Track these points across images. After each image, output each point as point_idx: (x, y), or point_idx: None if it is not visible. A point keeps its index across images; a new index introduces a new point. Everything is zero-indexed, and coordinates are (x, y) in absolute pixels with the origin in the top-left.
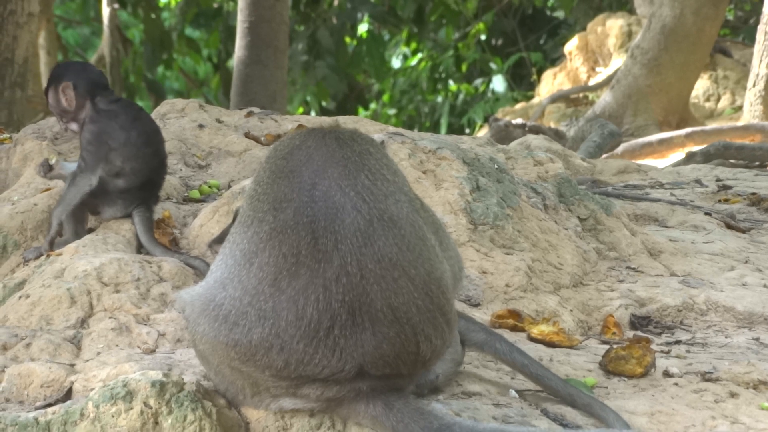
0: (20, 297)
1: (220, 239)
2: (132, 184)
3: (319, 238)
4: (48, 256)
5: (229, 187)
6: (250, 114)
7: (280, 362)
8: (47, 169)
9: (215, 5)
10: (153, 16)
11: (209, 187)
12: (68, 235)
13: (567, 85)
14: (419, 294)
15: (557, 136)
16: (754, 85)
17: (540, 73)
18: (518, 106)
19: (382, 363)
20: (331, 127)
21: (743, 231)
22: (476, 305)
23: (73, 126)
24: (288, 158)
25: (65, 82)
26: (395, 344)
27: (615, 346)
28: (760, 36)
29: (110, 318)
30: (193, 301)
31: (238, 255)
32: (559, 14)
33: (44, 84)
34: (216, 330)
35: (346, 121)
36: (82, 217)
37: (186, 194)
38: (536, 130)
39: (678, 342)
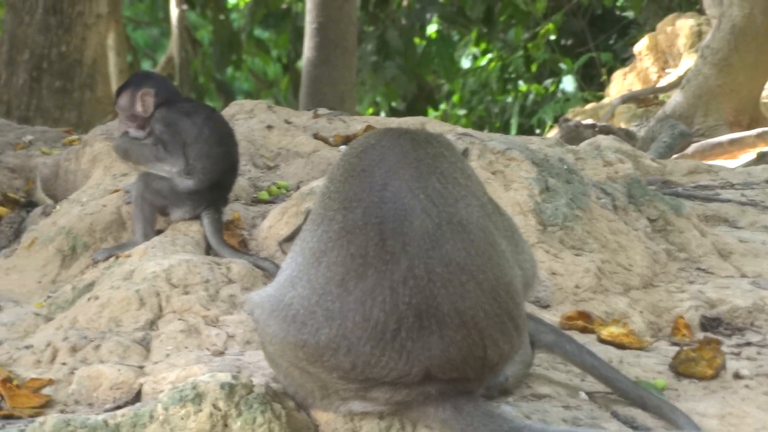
0: (89, 299)
1: (290, 238)
2: (201, 185)
3: (387, 240)
4: (117, 257)
5: (298, 188)
6: (318, 115)
7: (347, 364)
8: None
9: (284, 6)
10: (222, 17)
11: (278, 188)
12: (137, 236)
13: (637, 85)
14: (487, 298)
15: (627, 136)
16: None
17: (610, 73)
18: (588, 106)
19: (449, 367)
20: (407, 128)
21: None
22: (546, 307)
23: (138, 132)
24: (361, 157)
25: (147, 88)
26: (462, 348)
27: (685, 347)
28: None
29: (179, 320)
30: (262, 303)
31: (307, 253)
32: (629, 14)
33: (114, 86)
34: (285, 331)
35: (414, 122)
36: (151, 219)
37: (255, 195)
38: (606, 131)
39: (748, 344)
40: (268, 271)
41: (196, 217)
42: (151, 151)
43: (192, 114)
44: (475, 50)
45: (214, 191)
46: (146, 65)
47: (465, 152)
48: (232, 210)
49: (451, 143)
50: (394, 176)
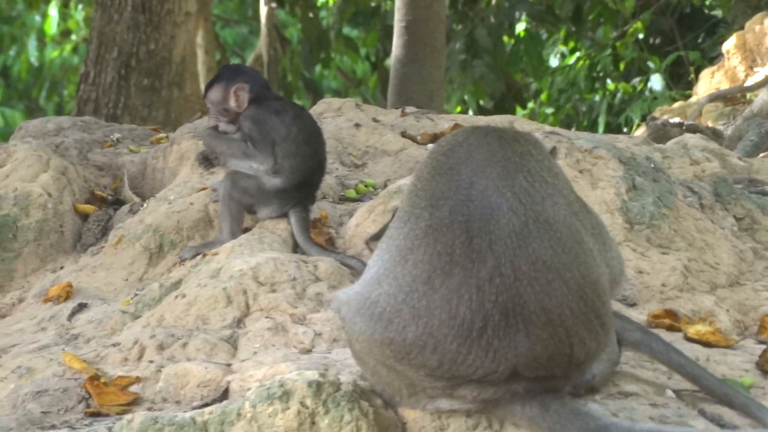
0: (176, 296)
1: (377, 236)
2: (289, 184)
3: (473, 238)
4: (204, 255)
5: (385, 186)
6: (405, 113)
7: (434, 361)
8: (207, 163)
9: (373, 4)
10: (311, 15)
11: (365, 186)
12: (224, 234)
13: (725, 84)
14: (573, 297)
15: (715, 135)
16: None
17: (698, 71)
18: (676, 105)
19: (536, 365)
20: (494, 126)
21: None
22: (632, 305)
23: (228, 127)
24: (449, 155)
25: (241, 83)
26: (548, 346)
27: None
28: None
29: (266, 318)
30: (349, 300)
31: (393, 251)
32: (717, 13)
33: (202, 84)
34: (372, 328)
35: (502, 120)
36: (238, 217)
37: (342, 193)
38: (694, 129)
39: None
40: (355, 269)
41: (284, 216)
42: (240, 147)
43: (281, 112)
44: (563, 49)
45: (301, 189)
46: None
47: (553, 151)
48: (320, 208)
49: (538, 141)
50: (480, 174)
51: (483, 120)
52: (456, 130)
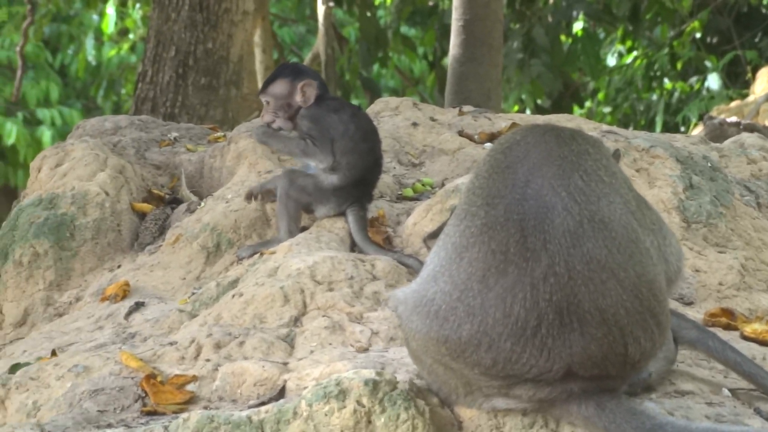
0: (234, 295)
1: (435, 234)
2: (346, 181)
3: (528, 237)
4: (261, 254)
5: (443, 185)
6: (463, 112)
7: (488, 360)
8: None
9: (430, 3)
10: (368, 14)
11: (423, 185)
12: (282, 233)
13: None
14: (628, 296)
15: None
16: None
17: (755, 71)
18: (733, 104)
19: (590, 364)
20: (553, 125)
21: None
22: (689, 304)
23: (286, 123)
24: (506, 153)
25: (309, 80)
26: (603, 345)
27: None
28: None
29: (323, 316)
30: (406, 299)
31: (449, 248)
32: None
33: (260, 83)
34: (428, 326)
35: (559, 119)
36: (295, 216)
37: (399, 192)
38: (751, 129)
39: None
40: (412, 267)
41: (341, 214)
42: (298, 146)
43: (339, 110)
44: (620, 48)
45: (359, 187)
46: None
47: (616, 153)
48: (377, 207)
49: (598, 141)
50: (537, 173)
51: (541, 119)
52: (515, 128)
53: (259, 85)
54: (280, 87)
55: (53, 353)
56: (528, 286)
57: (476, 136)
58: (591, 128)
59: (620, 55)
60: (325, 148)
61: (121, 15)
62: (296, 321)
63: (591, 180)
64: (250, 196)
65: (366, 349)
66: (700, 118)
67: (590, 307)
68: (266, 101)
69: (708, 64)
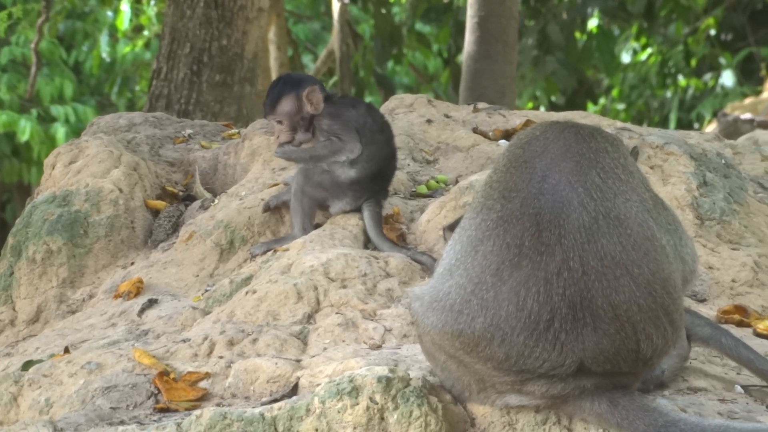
0: (247, 292)
1: (453, 226)
2: (364, 173)
3: (543, 231)
4: (275, 251)
5: (457, 182)
6: (477, 109)
7: (501, 354)
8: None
9: (445, 0)
10: (383, 11)
11: (437, 182)
12: (295, 230)
13: None
14: (641, 293)
15: None
16: None
17: None
18: (747, 101)
19: (603, 359)
20: (572, 122)
21: None
22: (702, 300)
23: (306, 136)
24: (525, 148)
25: (309, 86)
26: (615, 341)
27: None
28: None
29: (337, 313)
30: (423, 295)
31: (465, 241)
32: None
33: (275, 77)
34: (442, 321)
35: (574, 117)
36: (310, 213)
37: (413, 189)
38: (765, 125)
39: None
40: (426, 265)
41: (357, 210)
42: (325, 147)
43: (355, 105)
44: (635, 45)
45: (375, 182)
46: (306, 59)
47: (634, 151)
48: (391, 204)
49: (616, 139)
50: (554, 168)
51: (555, 116)
52: (535, 124)
53: (273, 98)
54: (287, 104)
55: (66, 350)
56: (542, 280)
57: (491, 133)
58: (606, 125)
59: (635, 52)
60: (353, 137)
61: (136, 12)
62: (309, 318)
63: (608, 177)
64: (267, 209)
65: (379, 346)
66: (714, 114)
67: (603, 302)
68: (278, 121)
69: (722, 61)
